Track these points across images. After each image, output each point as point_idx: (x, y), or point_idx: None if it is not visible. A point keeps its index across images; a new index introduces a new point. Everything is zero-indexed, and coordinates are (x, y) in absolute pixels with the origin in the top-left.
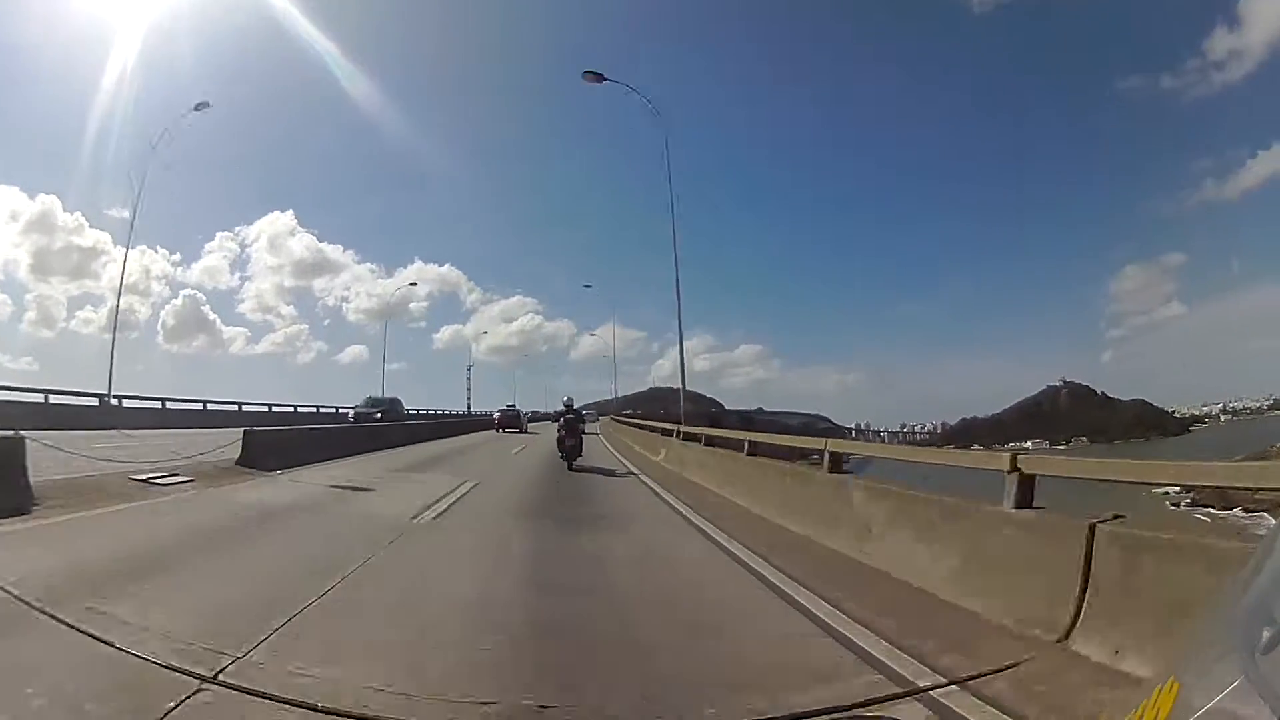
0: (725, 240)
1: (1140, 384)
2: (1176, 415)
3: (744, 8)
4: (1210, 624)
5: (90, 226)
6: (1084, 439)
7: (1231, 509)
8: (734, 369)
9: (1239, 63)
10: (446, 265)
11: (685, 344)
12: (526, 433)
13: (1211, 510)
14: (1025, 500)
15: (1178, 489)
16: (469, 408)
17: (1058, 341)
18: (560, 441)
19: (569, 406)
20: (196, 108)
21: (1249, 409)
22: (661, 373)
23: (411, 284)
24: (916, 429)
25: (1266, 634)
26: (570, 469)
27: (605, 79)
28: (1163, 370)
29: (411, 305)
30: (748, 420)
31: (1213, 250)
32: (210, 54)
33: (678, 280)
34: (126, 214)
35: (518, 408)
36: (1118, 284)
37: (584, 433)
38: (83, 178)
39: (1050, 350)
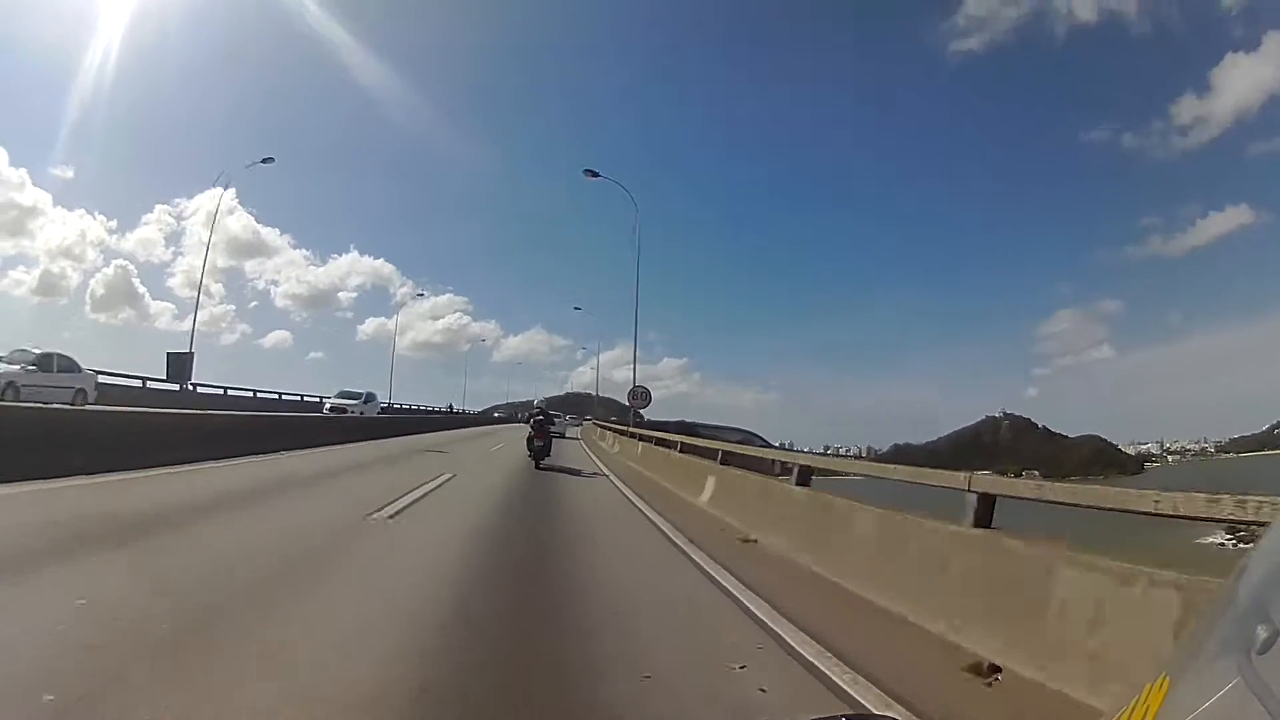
0: (653, 253)
1: (1065, 421)
2: (1123, 452)
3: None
4: (1205, 624)
5: (32, 184)
6: (1036, 473)
7: None
8: (656, 381)
9: (1203, 128)
10: (380, 259)
11: (609, 354)
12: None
13: None
14: (803, 482)
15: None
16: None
17: (981, 375)
18: (529, 441)
19: (541, 410)
20: (263, 161)
21: (1191, 450)
22: (582, 379)
23: (419, 295)
24: (841, 451)
25: (1263, 634)
26: (538, 468)
27: (599, 175)
28: (1086, 409)
29: (340, 295)
30: (690, 431)
31: (1151, 301)
32: (184, 18)
33: (636, 325)
34: (70, 173)
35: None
36: (1050, 325)
37: (553, 435)
38: (31, 132)
39: (973, 384)
